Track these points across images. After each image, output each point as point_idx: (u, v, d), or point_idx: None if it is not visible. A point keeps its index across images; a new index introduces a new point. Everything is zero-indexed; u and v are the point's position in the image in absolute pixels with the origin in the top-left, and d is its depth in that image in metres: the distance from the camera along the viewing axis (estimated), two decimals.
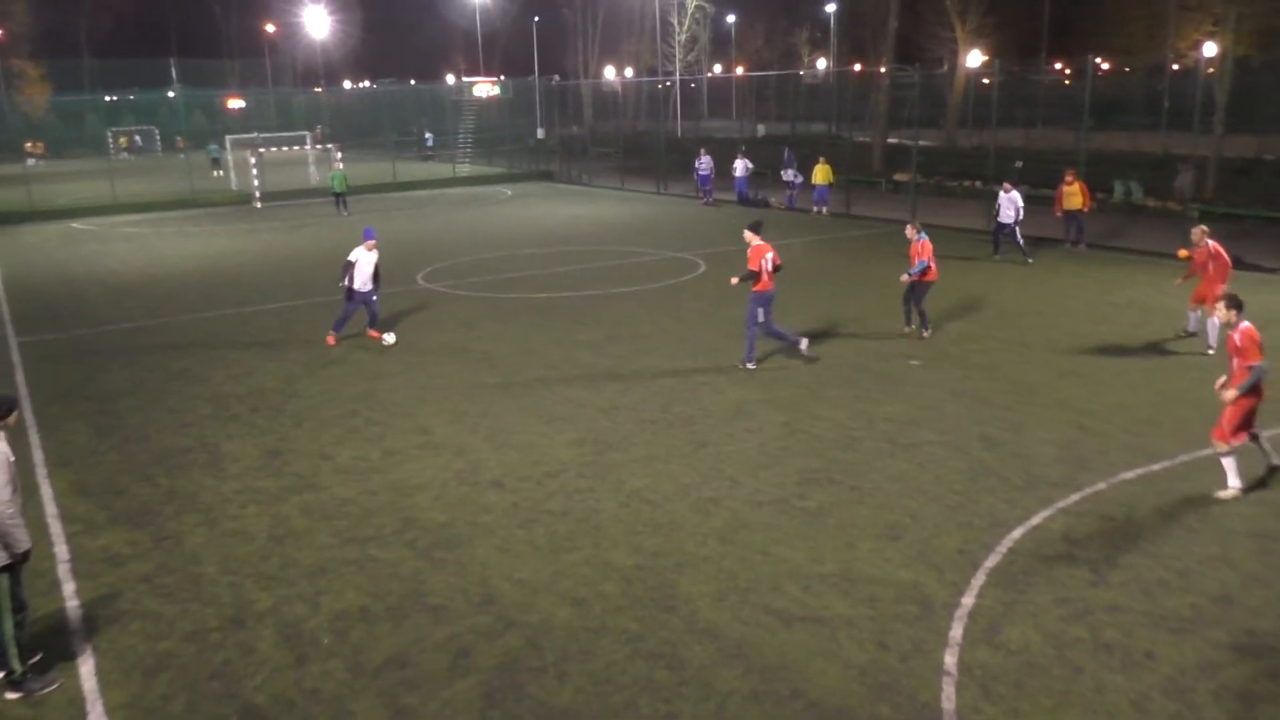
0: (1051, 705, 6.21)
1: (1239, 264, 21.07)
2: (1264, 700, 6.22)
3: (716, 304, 17.44)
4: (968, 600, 7.43)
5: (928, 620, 7.18)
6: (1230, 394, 9.01)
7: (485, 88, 55.33)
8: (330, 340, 15.28)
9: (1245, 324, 9.17)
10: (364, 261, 14.84)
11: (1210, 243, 14.27)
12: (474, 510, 9.25)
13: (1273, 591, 7.54)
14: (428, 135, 58.27)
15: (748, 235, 13.42)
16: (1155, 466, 9.94)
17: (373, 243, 14.95)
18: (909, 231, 14.85)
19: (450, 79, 77.20)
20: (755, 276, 13.04)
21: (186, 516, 9.33)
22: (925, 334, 14.95)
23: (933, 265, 14.57)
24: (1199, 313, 14.44)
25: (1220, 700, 6.23)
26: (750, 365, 13.39)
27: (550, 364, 14.01)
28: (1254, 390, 9.05)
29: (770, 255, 13.08)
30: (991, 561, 8.02)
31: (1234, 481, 9.14)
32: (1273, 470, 9.51)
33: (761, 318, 13.11)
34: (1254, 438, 9.39)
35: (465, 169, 47.93)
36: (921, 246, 14.53)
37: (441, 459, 10.52)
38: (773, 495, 9.39)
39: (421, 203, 36.30)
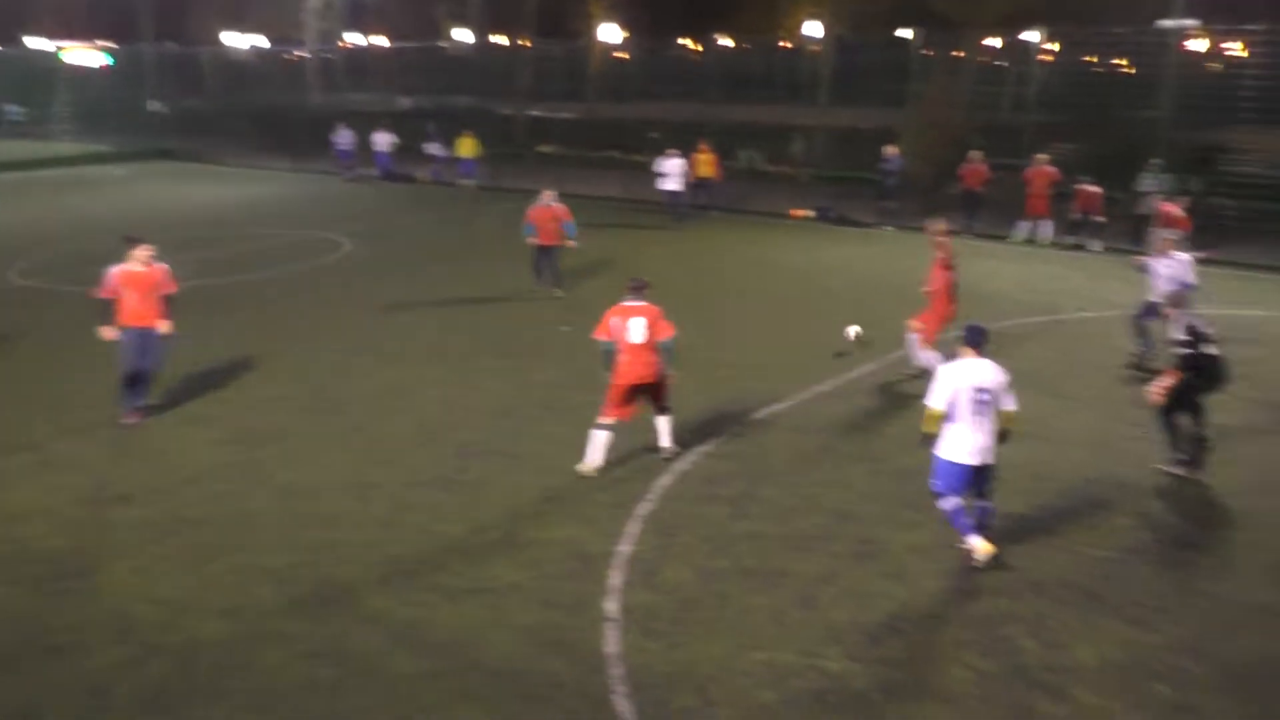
0: (704, 633, 6.78)
1: (843, 220, 23.95)
2: (877, 595, 7.18)
3: (363, 283, 16.99)
4: (625, 549, 7.89)
5: (589, 573, 7.54)
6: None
7: (88, 54, 49.34)
8: None
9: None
10: None
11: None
12: (99, 531, 8.36)
13: (881, 504, 8.70)
14: (10, 108, 51.02)
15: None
16: (780, 405, 11.07)
17: None
18: (546, 197, 16.14)
19: (36, 41, 67.79)
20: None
21: None
22: (559, 293, 15.96)
23: (545, 228, 15.79)
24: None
25: (840, 600, 7.12)
26: None
27: (184, 360, 12.94)
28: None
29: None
30: (644, 509, 8.57)
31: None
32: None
33: None
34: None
35: (66, 147, 42.63)
36: (536, 213, 15.87)
37: (54, 478, 9.40)
38: (433, 473, 9.38)
39: (11, 187, 31.88)
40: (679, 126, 34.74)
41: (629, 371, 9.13)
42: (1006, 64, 36.95)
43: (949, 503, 7.59)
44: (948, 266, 12.00)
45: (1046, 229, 21.21)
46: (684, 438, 10.08)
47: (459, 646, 6.67)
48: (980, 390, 7.37)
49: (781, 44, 48.71)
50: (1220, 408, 11.16)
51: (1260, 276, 18.12)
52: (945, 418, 7.46)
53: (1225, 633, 6.81)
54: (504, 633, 6.81)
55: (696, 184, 24.04)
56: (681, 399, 11.19)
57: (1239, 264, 19.06)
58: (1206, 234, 20.08)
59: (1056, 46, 33.14)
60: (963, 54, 33.37)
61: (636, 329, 9.12)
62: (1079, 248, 20.55)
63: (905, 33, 31.55)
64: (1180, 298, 10.50)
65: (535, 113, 40.44)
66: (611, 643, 6.67)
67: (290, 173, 34.71)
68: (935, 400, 7.47)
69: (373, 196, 28.10)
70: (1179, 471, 9.40)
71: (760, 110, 43.75)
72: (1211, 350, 9.29)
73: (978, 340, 7.57)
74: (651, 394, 9.37)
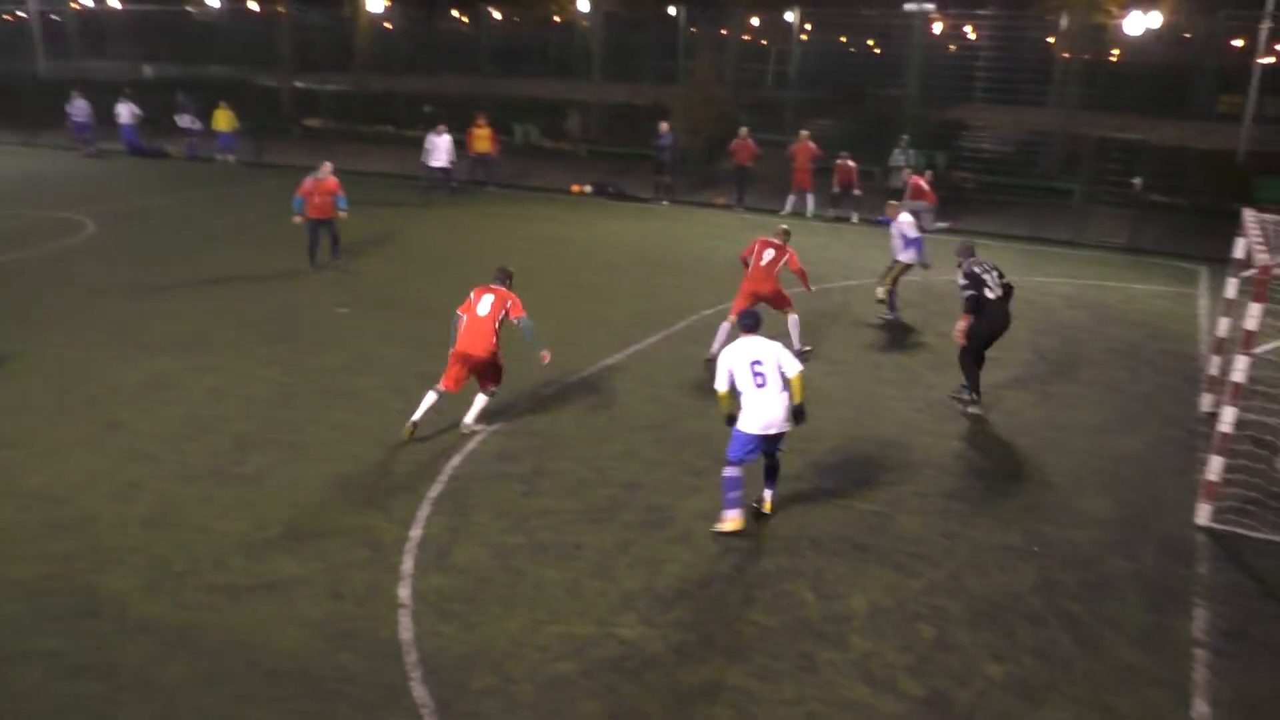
0: (500, 611, 6.77)
1: (622, 195, 24.31)
2: (667, 560, 7.42)
3: (113, 268, 15.68)
4: (416, 533, 7.74)
5: (380, 560, 7.35)
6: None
7: None
8: None
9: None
10: None
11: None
12: None
13: (668, 471, 8.96)
14: None
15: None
16: (568, 380, 11.16)
17: None
18: (325, 170, 15.69)
19: None
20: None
21: None
22: (335, 262, 15.88)
23: (315, 202, 15.44)
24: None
25: (634, 568, 7.30)
26: None
27: None
28: None
29: None
30: (435, 492, 8.43)
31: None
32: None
33: None
34: None
35: None
36: (307, 187, 15.46)
37: None
38: (206, 467, 8.82)
39: None
40: (454, 101, 34.11)
41: (463, 340, 9.45)
42: (767, 43, 38.41)
43: (730, 470, 7.88)
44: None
45: (811, 202, 22.38)
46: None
47: (242, 648, 6.34)
48: (755, 363, 7.72)
49: (554, 18, 48.61)
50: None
51: (997, 245, 19.85)
52: (734, 394, 7.80)
53: (977, 572, 7.49)
54: (291, 629, 6.53)
55: (475, 160, 23.70)
56: (473, 379, 11.08)
57: (979, 233, 20.84)
58: (950, 205, 21.89)
59: (809, 27, 34.79)
60: (726, 32, 34.51)
61: (484, 304, 9.56)
62: (842, 220, 21.81)
63: (674, 10, 32.18)
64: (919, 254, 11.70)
65: (300, 85, 38.53)
66: (406, 629, 6.54)
67: (20, 147, 31.40)
68: (718, 384, 7.84)
69: (119, 173, 25.93)
70: (974, 411, 10.48)
71: (536, 85, 43.61)
72: (991, 294, 10.31)
73: (750, 324, 8.04)
74: (482, 371, 9.63)
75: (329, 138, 28.71)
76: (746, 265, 12.11)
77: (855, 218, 21.67)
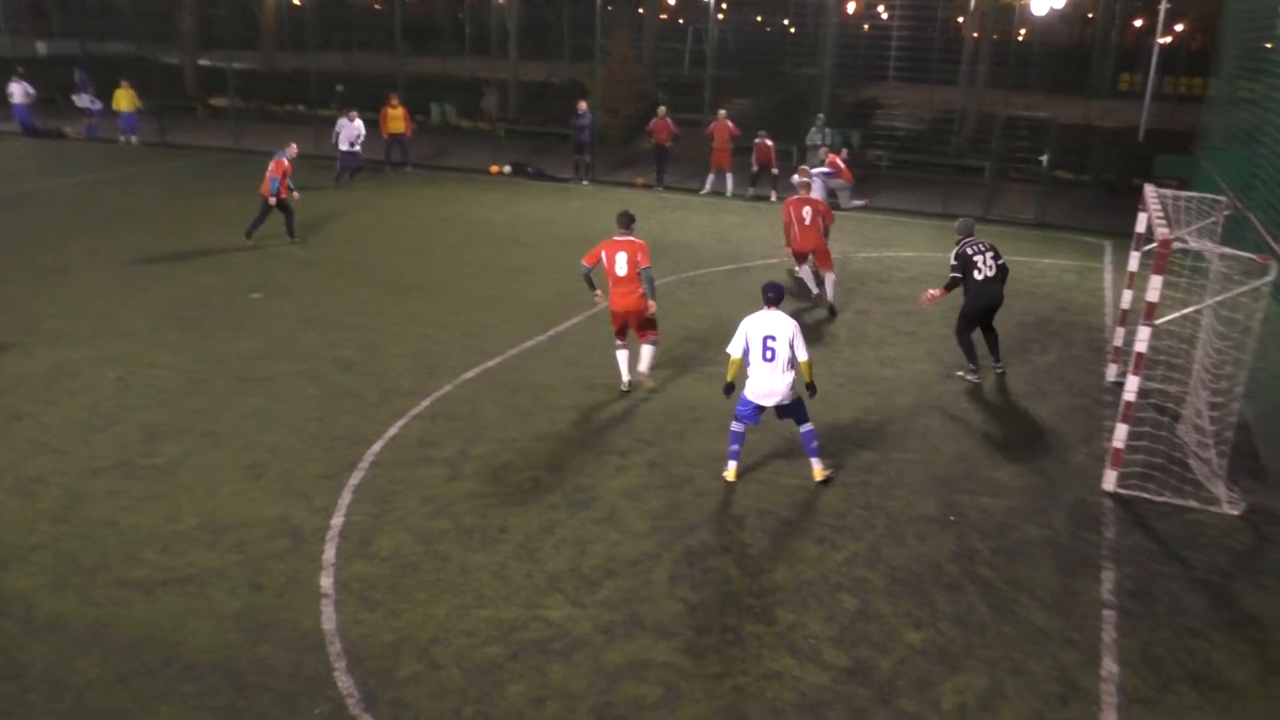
0: (426, 597, 6.69)
1: (541, 175, 24.13)
2: (593, 541, 7.42)
3: (8, 254, 15.02)
4: (338, 521, 7.60)
5: (300, 550, 7.20)
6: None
7: None
8: None
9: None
10: None
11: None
12: None
13: (593, 452, 8.94)
14: None
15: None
16: (491, 363, 11.06)
17: None
18: (292, 150, 16.21)
19: None
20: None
21: None
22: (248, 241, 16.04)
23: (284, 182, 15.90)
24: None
25: (560, 550, 7.28)
26: None
27: None
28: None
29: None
30: (356, 479, 8.28)
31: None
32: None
33: None
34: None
35: None
36: (275, 165, 15.77)
37: None
38: (113, 459, 8.53)
39: None
40: (367, 79, 33.41)
41: (616, 299, 10.11)
42: (684, 22, 38.37)
43: (735, 425, 8.46)
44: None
45: (729, 181, 22.49)
46: (398, 403, 9.85)
47: (156, 643, 6.15)
48: (770, 338, 8.16)
49: None
50: (884, 340, 12.46)
51: (909, 221, 20.27)
52: (743, 363, 8.29)
53: (897, 543, 7.66)
54: (208, 623, 6.36)
55: (389, 140, 23.22)
56: (387, 362, 10.93)
57: (893, 210, 21.24)
58: (866, 183, 22.24)
59: (726, 6, 34.90)
60: (644, 11, 34.40)
61: (621, 263, 9.97)
62: (760, 199, 21.98)
63: None
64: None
65: (206, 63, 37.27)
66: (328, 619, 6.42)
67: None
68: (732, 348, 8.31)
69: (12, 155, 24.79)
70: (973, 379, 11.17)
71: (451, 63, 42.95)
72: (979, 275, 10.94)
73: (773, 296, 8.37)
74: (639, 323, 10.25)
75: (237, 118, 27.80)
76: (787, 232, 13.65)
77: (774, 196, 21.85)
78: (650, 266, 10.02)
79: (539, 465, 8.66)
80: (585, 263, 10.11)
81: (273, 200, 15.82)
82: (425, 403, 9.89)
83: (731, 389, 8.49)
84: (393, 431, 9.22)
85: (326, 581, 6.82)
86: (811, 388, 8.42)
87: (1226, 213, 10.99)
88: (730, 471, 8.51)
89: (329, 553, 7.17)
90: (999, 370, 11.47)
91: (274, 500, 7.90)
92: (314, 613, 6.48)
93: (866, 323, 13.25)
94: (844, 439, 9.48)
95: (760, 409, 8.38)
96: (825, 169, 17.06)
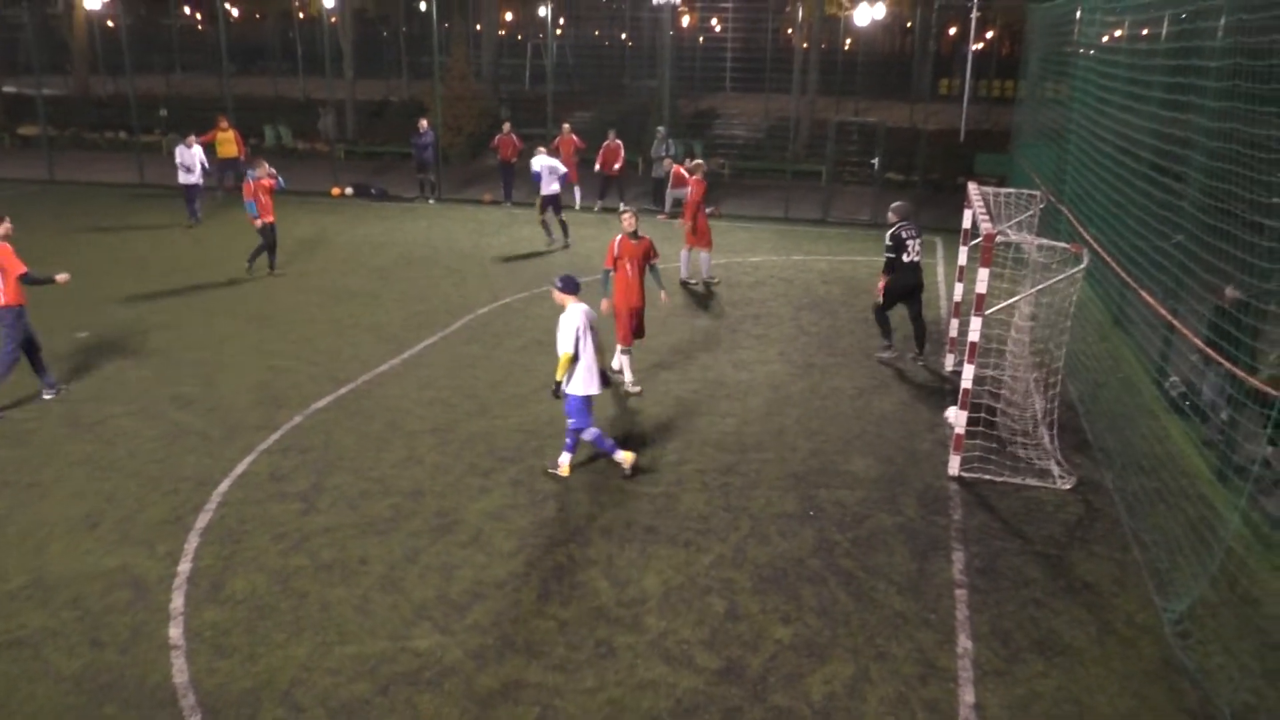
0: (285, 638, 6.41)
1: (385, 196, 23.63)
2: (459, 565, 7.27)
3: None
4: (185, 567, 7.21)
5: (144, 601, 6.78)
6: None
7: None
8: None
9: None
10: None
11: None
12: None
13: (453, 475, 8.78)
14: None
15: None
16: (343, 390, 10.73)
17: None
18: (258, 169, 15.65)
19: None
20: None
21: None
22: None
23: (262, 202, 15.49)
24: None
25: (425, 577, 7.11)
26: None
27: None
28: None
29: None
30: (203, 521, 7.87)
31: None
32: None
33: None
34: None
35: None
36: (246, 188, 15.39)
37: None
38: None
39: None
40: (193, 102, 32.00)
41: (622, 297, 10.85)
42: (523, 37, 38.35)
43: (591, 433, 8.67)
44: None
45: (577, 194, 22.54)
46: (245, 438, 9.42)
47: None
48: (591, 329, 8.55)
49: (300, 15, 46.52)
50: (736, 344, 12.72)
51: (753, 226, 20.79)
52: (574, 360, 8.48)
53: (761, 542, 7.81)
54: (44, 686, 5.91)
55: (221, 165, 22.23)
56: (231, 396, 10.46)
57: (740, 216, 21.74)
58: (711, 191, 22.67)
59: (564, 21, 35.08)
60: (481, 28, 34.19)
61: (632, 264, 10.86)
62: (610, 210, 22.09)
63: (425, 5, 31.55)
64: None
65: (11, 89, 34.93)
66: (179, 671, 6.07)
67: None
68: (569, 345, 8.38)
69: None
70: (887, 356, 12.17)
71: (283, 83, 41.58)
72: (907, 258, 11.72)
73: (578, 287, 8.68)
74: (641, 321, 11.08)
75: (50, 147, 26.10)
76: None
77: (622, 206, 21.97)
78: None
79: (399, 492, 8.44)
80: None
81: (257, 224, 15.47)
82: (274, 436, 9.50)
83: (560, 390, 8.62)
84: (240, 469, 8.81)
85: (175, 632, 6.45)
86: (556, 387, 8.60)
87: (1041, 205, 11.71)
88: (627, 455, 8.76)
89: (177, 601, 6.79)
90: (919, 361, 12.12)
91: (111, 551, 7.42)
92: (163, 666, 6.12)
93: (718, 327, 13.50)
94: (703, 443, 9.62)
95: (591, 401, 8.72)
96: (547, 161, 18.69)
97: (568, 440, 8.79)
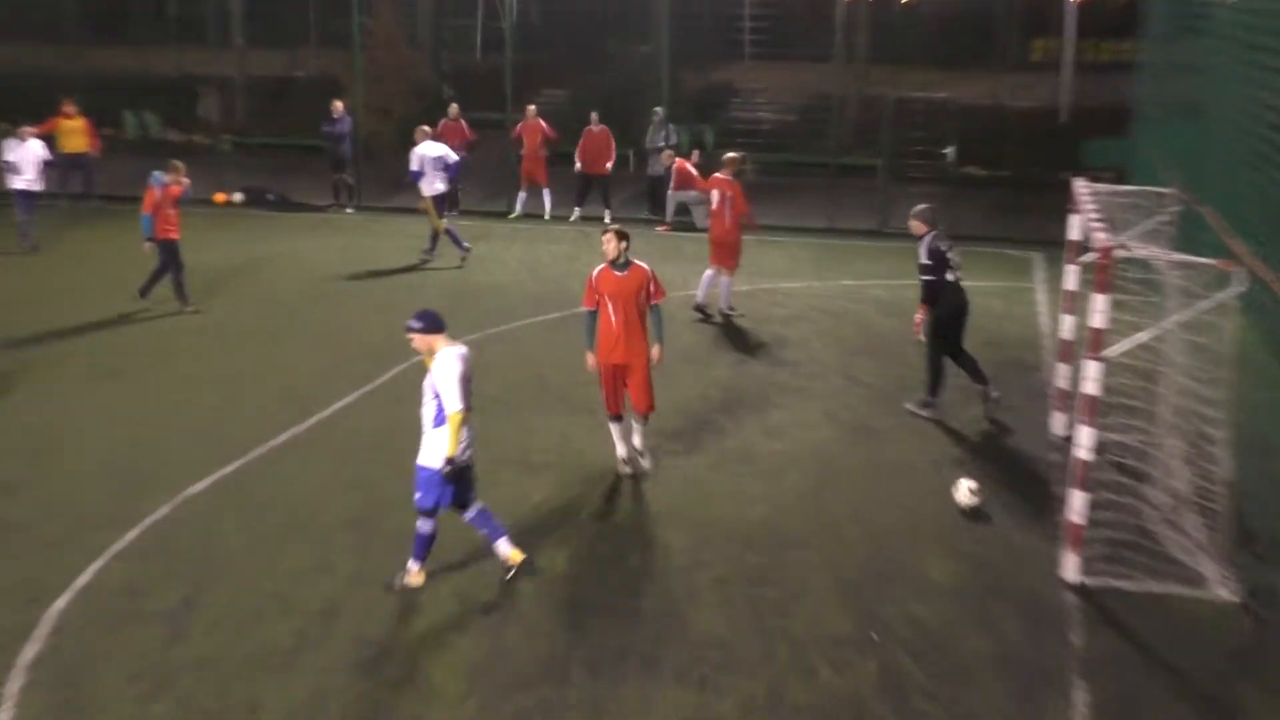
0: None
1: (287, 203, 23.65)
2: (386, 716, 7.08)
3: None
4: (3, 718, 7.02)
5: None
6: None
7: None
8: None
9: None
10: None
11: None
12: None
13: (378, 587, 8.61)
14: None
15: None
16: (228, 469, 10.61)
17: None
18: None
19: None
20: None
21: None
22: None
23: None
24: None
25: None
26: None
27: None
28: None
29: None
30: (31, 653, 7.71)
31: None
32: None
33: None
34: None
35: None
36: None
37: None
38: None
39: None
40: (27, 79, 32.06)
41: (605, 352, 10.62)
42: None
43: (428, 524, 8.54)
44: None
45: (547, 199, 22.53)
46: (91, 538, 9.25)
47: None
48: (469, 379, 8.44)
49: None
50: (767, 402, 12.63)
51: (787, 240, 20.77)
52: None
53: (805, 677, 7.64)
54: None
55: (66, 162, 22.23)
56: (73, 480, 10.34)
57: (768, 228, 21.66)
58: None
59: None
60: None
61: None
62: (591, 219, 22.00)
63: None
64: None
65: None
66: None
67: None
68: (456, 401, 8.23)
69: None
70: (925, 414, 12.13)
71: (152, 56, 41.74)
72: (951, 276, 11.84)
73: (443, 324, 8.54)
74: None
75: None
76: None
77: (608, 216, 21.90)
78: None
79: (304, 611, 8.28)
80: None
81: (148, 247, 15.60)
82: (132, 534, 9.37)
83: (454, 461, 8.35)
84: (84, 579, 8.66)
85: None
86: (449, 463, 8.33)
87: (1177, 208, 11.67)
88: (512, 553, 8.67)
89: None
90: (994, 396, 12.21)
91: None
92: None
93: (743, 378, 13.41)
94: (723, 539, 9.48)
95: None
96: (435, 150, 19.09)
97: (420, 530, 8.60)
